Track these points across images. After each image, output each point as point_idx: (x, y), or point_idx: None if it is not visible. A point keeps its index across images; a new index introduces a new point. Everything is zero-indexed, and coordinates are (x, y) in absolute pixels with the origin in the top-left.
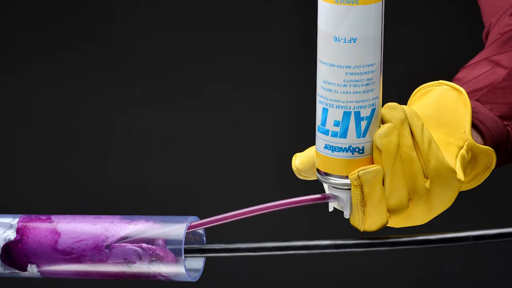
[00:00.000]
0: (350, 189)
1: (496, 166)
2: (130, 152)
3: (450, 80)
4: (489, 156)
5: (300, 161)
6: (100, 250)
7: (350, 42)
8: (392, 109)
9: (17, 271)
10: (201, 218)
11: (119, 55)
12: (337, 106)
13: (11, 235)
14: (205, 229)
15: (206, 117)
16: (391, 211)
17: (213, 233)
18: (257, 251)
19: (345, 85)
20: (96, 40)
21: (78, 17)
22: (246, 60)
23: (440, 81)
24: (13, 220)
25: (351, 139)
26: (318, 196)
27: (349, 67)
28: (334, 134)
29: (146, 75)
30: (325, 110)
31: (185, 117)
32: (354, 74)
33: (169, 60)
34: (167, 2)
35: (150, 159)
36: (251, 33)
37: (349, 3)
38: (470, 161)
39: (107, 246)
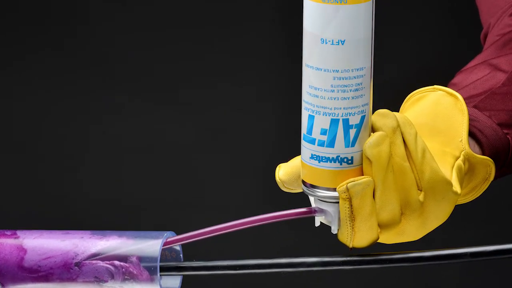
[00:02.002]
0: (338, 202)
1: (495, 177)
2: (103, 162)
3: (445, 85)
4: (487, 167)
5: (284, 172)
6: (69, 268)
7: (338, 44)
8: (383, 116)
9: None
10: (178, 234)
11: (94, 58)
12: (324, 113)
13: None
14: (182, 245)
15: (184, 124)
16: (382, 226)
17: (190, 250)
18: (238, 269)
19: (332, 91)
20: (71, 42)
21: (52, 17)
22: (227, 64)
23: (435, 86)
24: None
25: (339, 148)
26: (303, 210)
27: (337, 71)
28: (321, 143)
29: (122, 80)
30: (311, 118)
31: (163, 124)
32: (343, 78)
33: (145, 63)
34: (141, 3)
35: (124, 169)
36: (232, 35)
37: (337, 2)
38: (467, 172)
39: (77, 264)
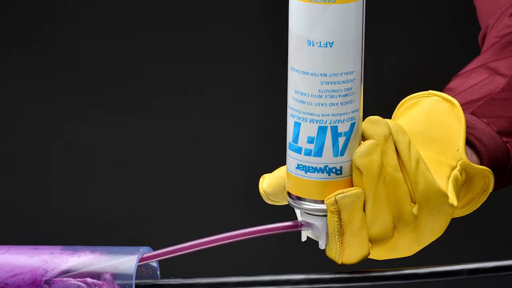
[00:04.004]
0: (326, 215)
1: (494, 189)
2: (72, 173)
3: (441, 90)
4: (486, 178)
5: (268, 183)
6: (38, 285)
7: (326, 46)
8: (374, 124)
9: None
10: (154, 249)
11: (59, 62)
12: (311, 120)
13: None
14: (160, 262)
15: (159, 133)
16: (373, 240)
17: (168, 266)
18: (219, 287)
19: (320, 96)
20: (33, 44)
21: (14, 17)
22: (205, 67)
23: (430, 91)
24: None
25: (327, 158)
26: (289, 223)
27: (325, 75)
28: (308, 153)
29: (89, 85)
30: (297, 125)
31: (136, 132)
32: (331, 83)
33: (116, 67)
34: (113, 2)
35: (95, 181)
36: (211, 35)
37: (325, 1)
38: (464, 183)
39: (47, 281)
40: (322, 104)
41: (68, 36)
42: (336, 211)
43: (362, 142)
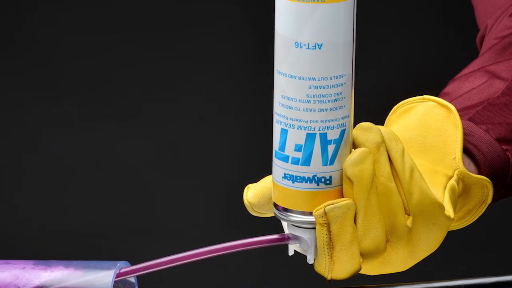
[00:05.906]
0: (314, 228)
1: (493, 200)
2: (46, 182)
3: (436, 95)
4: (484, 188)
5: (253, 193)
6: None
7: (315, 48)
8: (366, 131)
9: None
10: (132, 264)
11: (35, 63)
12: (299, 127)
13: None
14: (138, 277)
15: (140, 140)
16: (365, 255)
17: (147, 282)
18: None
19: (308, 101)
20: (7, 44)
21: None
22: (188, 71)
23: (425, 96)
24: None
25: (316, 167)
26: (275, 236)
27: (314, 79)
28: (295, 161)
29: (67, 89)
30: (284, 132)
31: (115, 139)
32: (320, 87)
33: (96, 70)
34: (96, 4)
35: (71, 190)
36: (195, 37)
37: (314, 1)
38: (462, 194)
39: None
40: (311, 110)
41: (43, 38)
42: (326, 223)
43: (353, 150)
